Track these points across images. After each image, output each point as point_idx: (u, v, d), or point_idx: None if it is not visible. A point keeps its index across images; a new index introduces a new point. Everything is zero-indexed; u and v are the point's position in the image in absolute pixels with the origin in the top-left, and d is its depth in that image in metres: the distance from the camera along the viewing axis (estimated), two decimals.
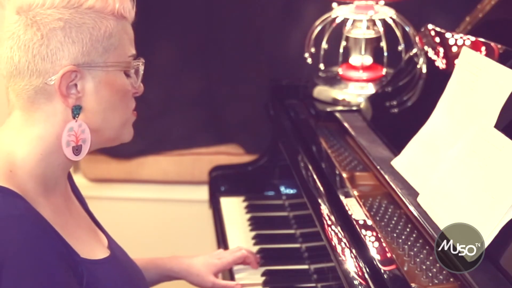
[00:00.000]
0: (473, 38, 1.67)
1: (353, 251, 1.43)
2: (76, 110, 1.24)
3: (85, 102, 1.25)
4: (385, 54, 2.08)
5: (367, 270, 1.37)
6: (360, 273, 1.38)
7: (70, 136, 1.24)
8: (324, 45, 2.12)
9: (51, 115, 1.24)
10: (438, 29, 1.84)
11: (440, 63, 1.78)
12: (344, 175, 1.73)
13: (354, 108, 2.02)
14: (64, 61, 1.22)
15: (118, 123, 1.31)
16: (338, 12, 2.11)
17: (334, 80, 2.13)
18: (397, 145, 1.68)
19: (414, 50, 1.93)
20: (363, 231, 1.47)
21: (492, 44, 1.61)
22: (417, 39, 1.93)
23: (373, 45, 2.11)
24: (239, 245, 1.86)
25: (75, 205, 1.39)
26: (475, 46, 1.64)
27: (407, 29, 2.08)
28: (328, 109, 2.05)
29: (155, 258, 1.72)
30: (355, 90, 2.08)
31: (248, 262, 1.80)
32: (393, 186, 1.57)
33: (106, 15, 1.26)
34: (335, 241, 1.49)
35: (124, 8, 1.29)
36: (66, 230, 1.26)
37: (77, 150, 1.26)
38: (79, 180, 2.78)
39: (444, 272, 1.35)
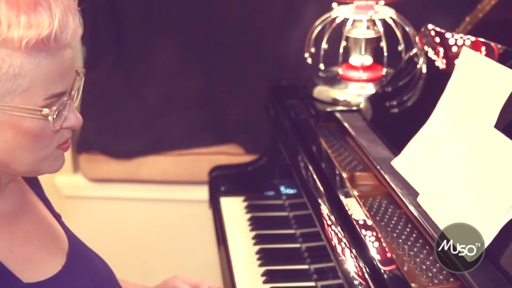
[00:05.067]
0: (473, 38, 1.67)
1: (353, 251, 1.43)
2: None
3: None
4: (385, 54, 2.08)
5: (367, 270, 1.37)
6: (360, 273, 1.38)
7: None
8: (324, 45, 2.12)
9: None
10: (438, 29, 1.83)
11: (440, 63, 1.78)
12: (344, 175, 1.73)
13: (354, 108, 2.02)
14: None
15: (32, 160, 1.16)
16: (338, 12, 2.10)
17: (334, 80, 2.13)
18: (397, 145, 1.68)
19: (414, 50, 1.93)
20: (363, 231, 1.47)
21: (492, 44, 1.61)
22: (417, 39, 1.93)
23: (373, 45, 2.11)
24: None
25: (31, 213, 1.29)
26: (475, 46, 1.64)
27: (407, 29, 2.08)
28: (328, 109, 2.05)
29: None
30: (355, 90, 2.08)
31: None
32: (393, 186, 1.57)
33: (12, 51, 1.06)
34: (335, 241, 1.49)
35: (47, 37, 1.06)
36: (10, 253, 1.19)
37: None
38: (79, 180, 2.78)
39: (444, 272, 1.35)
